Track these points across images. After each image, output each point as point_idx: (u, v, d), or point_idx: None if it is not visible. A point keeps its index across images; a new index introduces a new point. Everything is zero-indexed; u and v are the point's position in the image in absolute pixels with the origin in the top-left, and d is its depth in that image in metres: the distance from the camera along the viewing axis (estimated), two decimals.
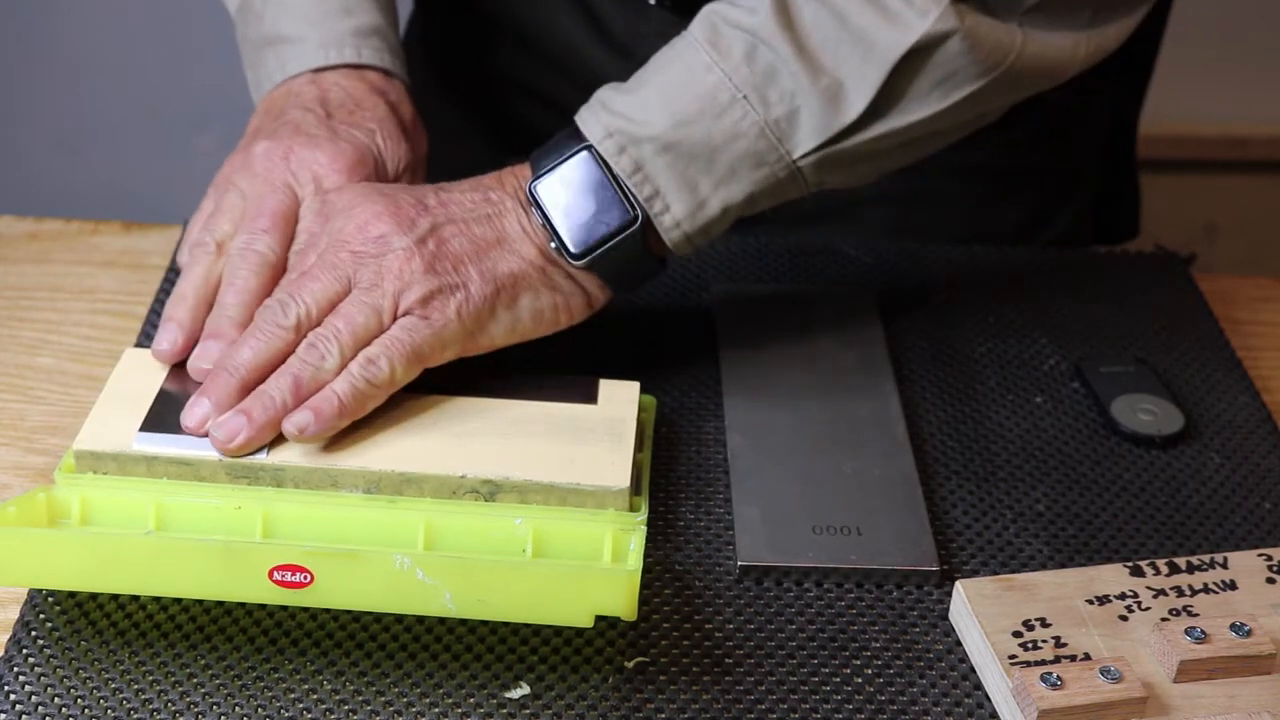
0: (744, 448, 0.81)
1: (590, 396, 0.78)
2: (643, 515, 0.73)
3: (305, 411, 0.73)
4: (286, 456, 0.73)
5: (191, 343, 0.78)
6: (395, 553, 0.66)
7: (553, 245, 0.78)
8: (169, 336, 0.78)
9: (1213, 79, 1.95)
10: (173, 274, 0.93)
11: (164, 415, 0.74)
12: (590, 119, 0.79)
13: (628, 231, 0.78)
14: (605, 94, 0.80)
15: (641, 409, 0.79)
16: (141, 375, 0.77)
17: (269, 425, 0.73)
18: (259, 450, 0.73)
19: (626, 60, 0.98)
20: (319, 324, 0.75)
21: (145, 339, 0.88)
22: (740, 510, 0.77)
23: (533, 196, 0.78)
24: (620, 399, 0.78)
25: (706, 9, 0.79)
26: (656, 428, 0.82)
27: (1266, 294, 1.00)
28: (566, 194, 0.78)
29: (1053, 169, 1.07)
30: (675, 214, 0.78)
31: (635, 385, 0.79)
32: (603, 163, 0.78)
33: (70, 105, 1.91)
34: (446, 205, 0.78)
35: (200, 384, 0.75)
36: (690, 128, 0.77)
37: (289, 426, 0.72)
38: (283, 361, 0.74)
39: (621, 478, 0.73)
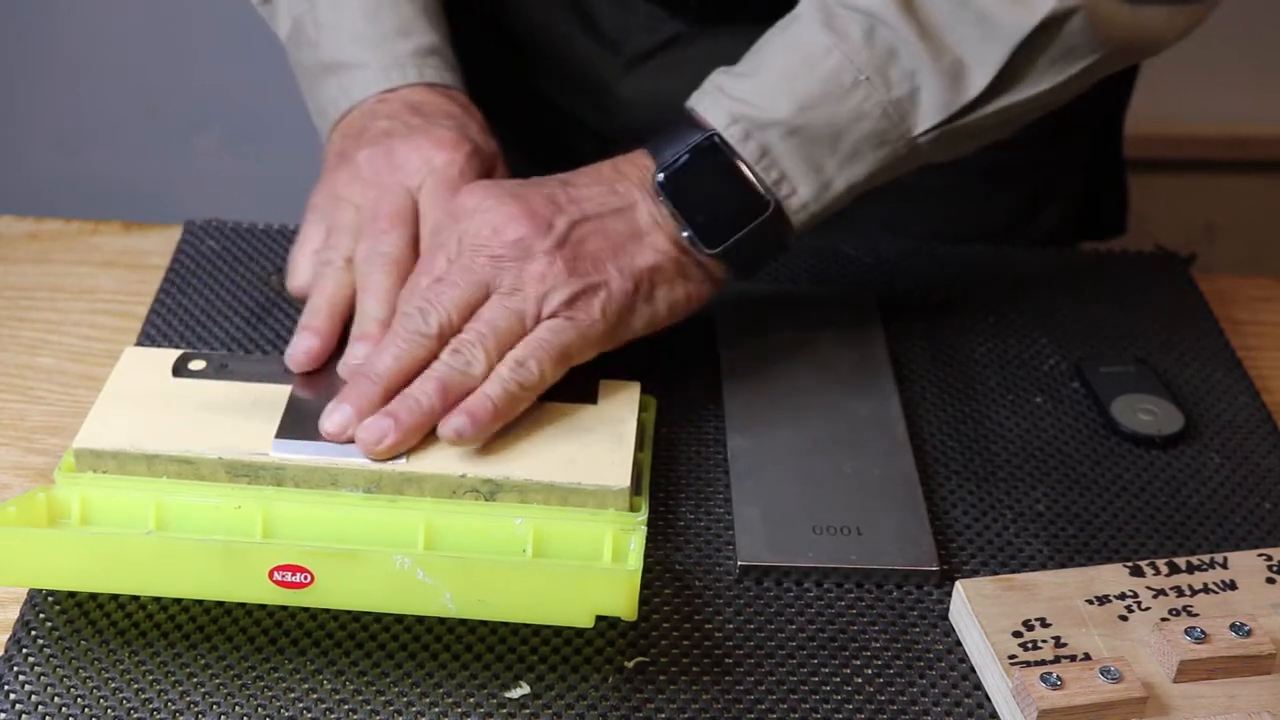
0: (744, 448, 0.81)
1: (590, 396, 0.78)
2: (643, 515, 0.73)
3: (461, 416, 0.73)
4: (288, 455, 0.73)
5: (328, 350, 0.78)
6: (395, 553, 0.66)
7: (685, 235, 0.78)
8: (305, 344, 0.78)
9: (1213, 78, 1.95)
10: (173, 274, 0.93)
11: (299, 422, 0.74)
12: (711, 105, 0.78)
13: (761, 218, 0.78)
14: (721, 79, 0.80)
15: (641, 409, 0.79)
16: (142, 374, 0.77)
17: (416, 428, 0.73)
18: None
19: (614, 54, 0.98)
20: (460, 330, 0.75)
21: (145, 339, 0.88)
22: (740, 510, 0.77)
23: (661, 187, 0.78)
24: (620, 399, 0.78)
25: None
26: (656, 428, 0.82)
27: (1266, 294, 1.00)
28: (694, 183, 0.78)
29: (1041, 165, 1.07)
30: (802, 196, 0.79)
31: (635, 385, 0.79)
32: (728, 148, 0.78)
33: (70, 105, 1.91)
34: (578, 202, 0.78)
35: (321, 392, 0.75)
36: (815, 111, 0.77)
37: (445, 430, 0.73)
38: (424, 369, 0.74)
39: (622, 477, 0.73)
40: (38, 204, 1.24)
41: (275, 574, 0.66)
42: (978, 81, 0.78)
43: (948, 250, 1.00)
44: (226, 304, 0.91)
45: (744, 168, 0.78)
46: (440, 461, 0.73)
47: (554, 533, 0.72)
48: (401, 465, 0.72)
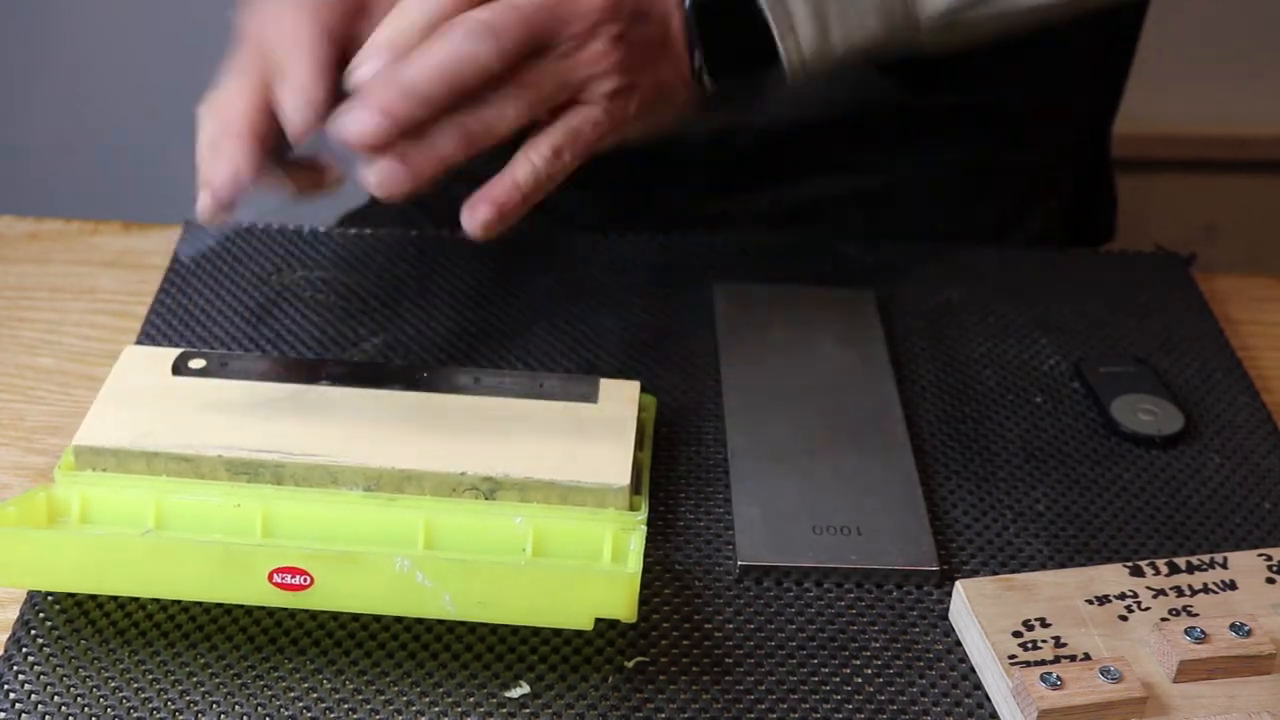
0: (744, 448, 0.81)
1: (590, 395, 0.78)
2: (643, 515, 0.73)
3: (489, 207, 0.71)
4: (287, 452, 0.73)
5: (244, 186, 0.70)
6: (395, 555, 0.66)
7: (694, 63, 0.78)
8: (226, 167, 0.69)
9: (1213, 79, 1.95)
10: (174, 274, 0.93)
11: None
12: None
13: (769, 63, 0.78)
14: None
15: (641, 408, 0.79)
16: (142, 373, 0.77)
17: (427, 175, 0.69)
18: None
19: None
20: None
21: (145, 339, 0.88)
22: (740, 510, 0.77)
23: (689, 11, 0.77)
24: (620, 398, 0.78)
25: None
26: (656, 428, 0.82)
27: (1266, 294, 1.00)
28: (713, 18, 0.77)
29: (1021, 171, 1.07)
30: (804, 47, 0.78)
31: (635, 384, 0.79)
32: None
33: (70, 105, 1.91)
34: None
35: None
36: None
37: (474, 226, 0.71)
38: (463, 89, 0.69)
39: (622, 475, 0.73)
40: (38, 204, 1.24)
41: (275, 576, 0.66)
42: None
43: (947, 250, 1.00)
44: (226, 304, 0.91)
45: (762, 10, 0.77)
46: (440, 459, 0.73)
47: (554, 531, 0.72)
48: (401, 463, 0.73)
